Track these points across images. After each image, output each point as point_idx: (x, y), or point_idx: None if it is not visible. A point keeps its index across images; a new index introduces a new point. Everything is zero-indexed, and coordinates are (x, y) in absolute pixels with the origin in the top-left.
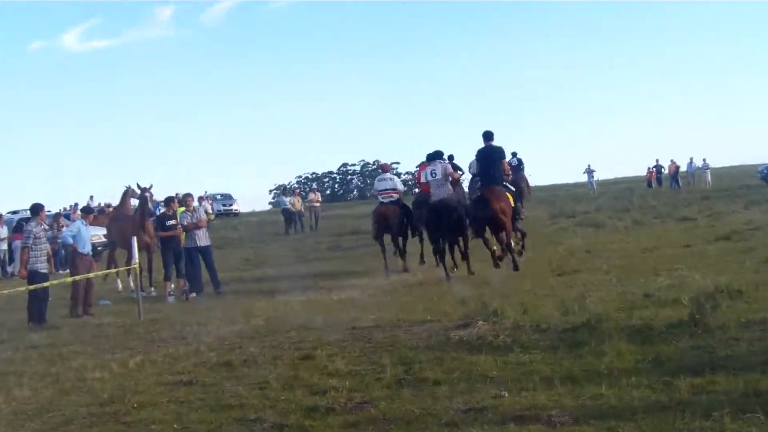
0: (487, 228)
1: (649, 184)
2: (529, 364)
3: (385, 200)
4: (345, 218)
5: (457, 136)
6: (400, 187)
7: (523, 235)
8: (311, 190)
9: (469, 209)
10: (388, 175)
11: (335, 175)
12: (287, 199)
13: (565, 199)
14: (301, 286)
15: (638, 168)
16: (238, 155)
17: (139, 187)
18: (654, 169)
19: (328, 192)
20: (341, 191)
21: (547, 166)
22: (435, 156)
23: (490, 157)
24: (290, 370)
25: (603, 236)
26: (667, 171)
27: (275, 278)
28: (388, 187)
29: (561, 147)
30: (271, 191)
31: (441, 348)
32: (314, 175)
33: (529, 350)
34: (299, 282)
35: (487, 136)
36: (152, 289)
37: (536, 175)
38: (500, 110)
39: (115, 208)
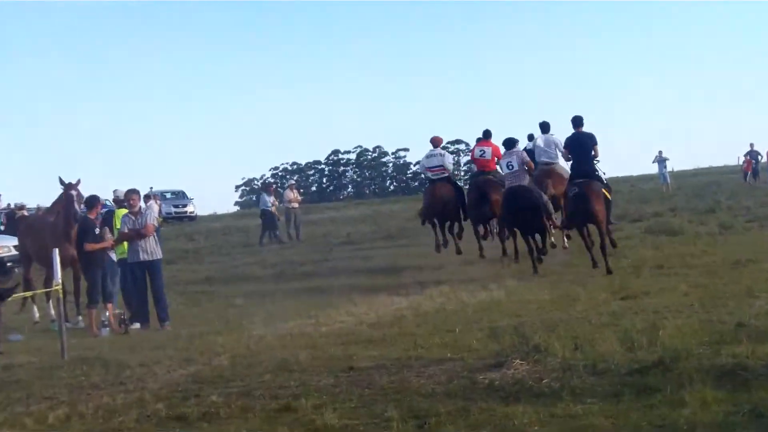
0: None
1: (745, 177)
2: (582, 417)
3: (437, 177)
4: (336, 223)
5: (475, 115)
6: (449, 165)
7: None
8: (288, 186)
9: (566, 205)
10: (438, 150)
11: (323, 167)
12: (270, 199)
13: (629, 196)
14: (279, 313)
15: (726, 156)
16: (193, 143)
17: (62, 183)
18: (748, 156)
19: (314, 189)
20: (331, 187)
21: (604, 154)
22: (510, 144)
23: (583, 146)
24: (265, 425)
25: (680, 246)
26: (765, 158)
27: (245, 303)
28: (439, 164)
29: (622, 128)
30: (238, 188)
31: (465, 395)
32: (295, 167)
33: (583, 399)
34: (277, 308)
35: (577, 121)
36: (80, 318)
37: None
38: (534, 84)
39: (46, 211)
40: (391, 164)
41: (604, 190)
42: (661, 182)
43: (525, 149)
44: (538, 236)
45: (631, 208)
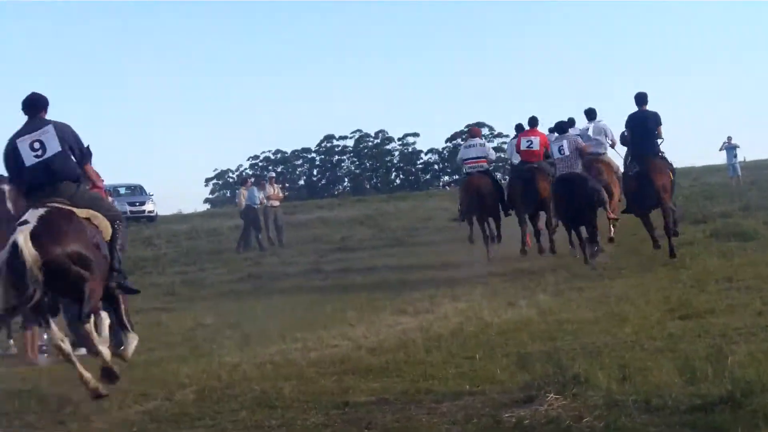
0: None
1: None
2: None
3: (474, 170)
4: (328, 225)
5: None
6: (492, 155)
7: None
8: (267, 180)
9: (627, 186)
10: (478, 140)
11: (314, 156)
12: (260, 195)
13: (691, 192)
14: (258, 336)
15: None
16: (154, 128)
17: None
18: None
19: (302, 183)
20: (323, 181)
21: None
22: (562, 128)
23: (645, 125)
24: None
25: (754, 254)
26: None
27: (216, 324)
28: (478, 155)
29: (682, 110)
30: (209, 182)
31: None
32: (279, 156)
33: None
34: (255, 330)
35: (641, 99)
36: (11, 343)
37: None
38: (566, 63)
39: None
40: (397, 152)
41: (669, 170)
42: (731, 175)
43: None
44: (587, 229)
45: (693, 206)
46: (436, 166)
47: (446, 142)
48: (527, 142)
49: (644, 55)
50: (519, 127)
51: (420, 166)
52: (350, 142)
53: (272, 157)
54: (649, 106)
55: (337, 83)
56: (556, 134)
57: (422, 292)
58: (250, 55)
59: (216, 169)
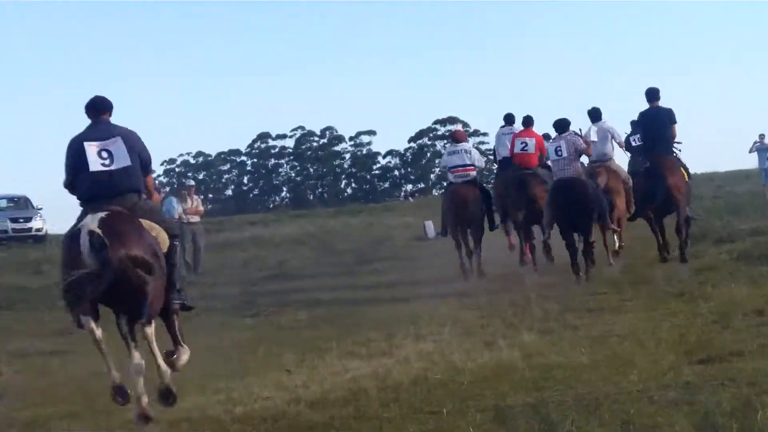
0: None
1: None
2: None
3: (460, 179)
4: (262, 246)
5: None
6: (480, 162)
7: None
8: (185, 189)
9: (637, 184)
10: (464, 145)
11: (244, 159)
12: (179, 207)
13: (714, 204)
14: (172, 385)
15: None
16: (42, 129)
17: None
18: None
19: (229, 193)
20: (256, 191)
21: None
22: (562, 126)
23: (657, 122)
24: None
25: None
26: None
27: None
28: (465, 162)
29: (702, 106)
30: None
31: None
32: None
33: None
34: (169, 378)
35: (652, 94)
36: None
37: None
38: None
39: None
40: (348, 155)
41: (682, 169)
42: (763, 182)
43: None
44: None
45: (717, 221)
46: (396, 172)
47: (410, 142)
48: (521, 144)
49: (659, 48)
50: (508, 118)
51: (376, 172)
52: (290, 143)
53: (192, 161)
54: (663, 103)
55: (273, 69)
56: (555, 132)
57: (378, 331)
58: (165, 38)
59: None
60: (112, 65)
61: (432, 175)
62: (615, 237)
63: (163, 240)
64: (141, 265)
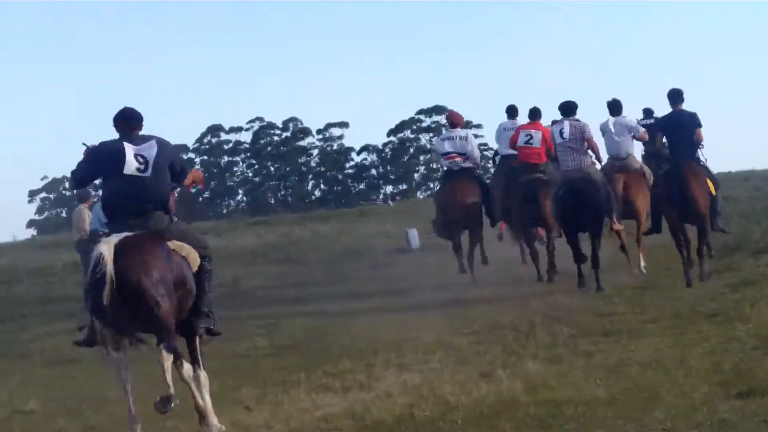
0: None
1: None
2: None
3: (455, 167)
4: (216, 259)
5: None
6: (476, 153)
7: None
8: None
9: (658, 189)
10: (459, 131)
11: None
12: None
13: (748, 207)
14: (110, 426)
15: None
16: None
17: None
18: None
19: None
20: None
21: (714, 141)
22: (566, 110)
23: (683, 129)
24: None
25: None
26: None
27: (47, 409)
28: (457, 150)
29: (738, 97)
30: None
31: None
32: None
33: None
34: (106, 417)
35: (676, 97)
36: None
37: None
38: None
39: None
40: (316, 151)
41: (708, 181)
42: None
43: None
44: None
45: (752, 228)
46: (373, 171)
47: (389, 135)
48: (526, 136)
49: (688, 36)
50: (511, 110)
51: (350, 171)
52: (246, 137)
53: None
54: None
55: (225, 52)
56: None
57: (354, 360)
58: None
59: (45, 177)
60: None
61: (416, 175)
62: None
63: (194, 260)
64: (158, 289)
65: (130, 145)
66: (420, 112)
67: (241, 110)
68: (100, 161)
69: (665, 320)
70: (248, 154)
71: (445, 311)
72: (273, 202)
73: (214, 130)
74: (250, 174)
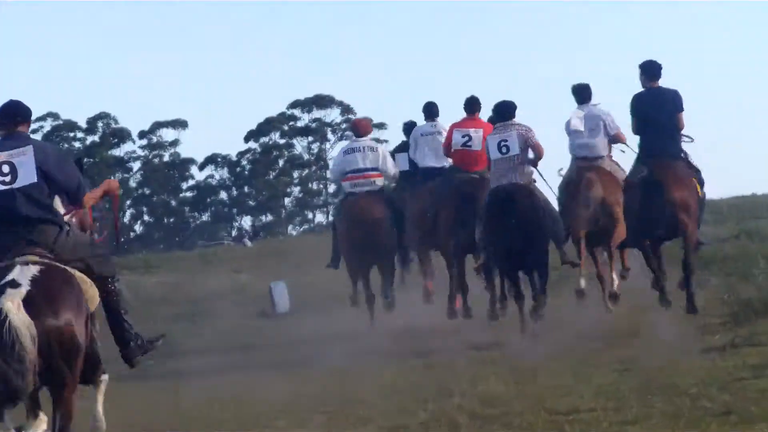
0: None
1: None
2: None
3: (359, 189)
4: None
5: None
6: (389, 166)
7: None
8: None
9: (630, 200)
10: (367, 141)
11: None
12: None
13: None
14: None
15: None
16: None
17: None
18: None
19: None
20: None
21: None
22: (504, 113)
23: (661, 111)
24: None
25: None
26: None
27: None
28: (367, 166)
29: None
30: None
31: None
32: None
33: None
34: None
35: (650, 70)
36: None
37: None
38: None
39: None
40: (137, 164)
41: (693, 179)
42: None
43: None
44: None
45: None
46: (224, 195)
47: (248, 140)
48: (462, 136)
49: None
50: (429, 109)
51: (188, 194)
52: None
53: None
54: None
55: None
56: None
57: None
58: None
59: None
60: None
61: (287, 200)
62: (613, 273)
63: (92, 297)
64: (71, 337)
65: None
66: (294, 105)
67: (26, 102)
68: None
69: (654, 421)
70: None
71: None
72: (155, 236)
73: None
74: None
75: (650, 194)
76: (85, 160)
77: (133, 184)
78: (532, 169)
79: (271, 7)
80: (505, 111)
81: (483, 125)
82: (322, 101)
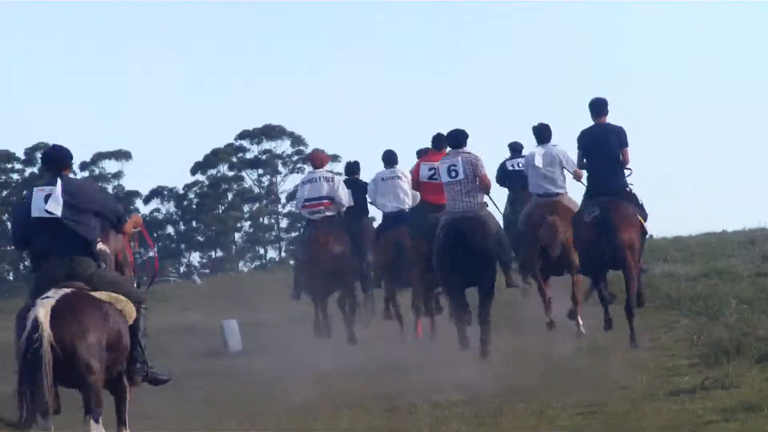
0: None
1: None
2: None
3: (317, 215)
4: None
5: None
6: (343, 195)
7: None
8: None
9: (580, 237)
10: (323, 172)
11: None
12: None
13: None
14: None
15: None
16: None
17: None
18: None
19: None
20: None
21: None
22: (458, 140)
23: (606, 147)
24: None
25: None
26: None
27: None
28: (322, 195)
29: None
30: None
31: None
32: None
33: None
34: None
35: (598, 107)
36: None
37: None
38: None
39: None
40: None
41: (639, 217)
42: None
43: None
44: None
45: (757, 320)
46: (170, 229)
47: (195, 173)
48: (429, 170)
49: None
50: (388, 157)
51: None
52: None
53: None
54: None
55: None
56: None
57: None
58: None
59: None
60: None
61: (237, 235)
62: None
63: (130, 312)
64: (92, 352)
65: (39, 188)
66: (243, 135)
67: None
68: (17, 212)
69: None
70: None
71: None
72: (11, 278)
73: None
74: None
75: (601, 234)
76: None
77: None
78: (483, 194)
79: (218, 33)
80: (455, 139)
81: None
82: (272, 132)
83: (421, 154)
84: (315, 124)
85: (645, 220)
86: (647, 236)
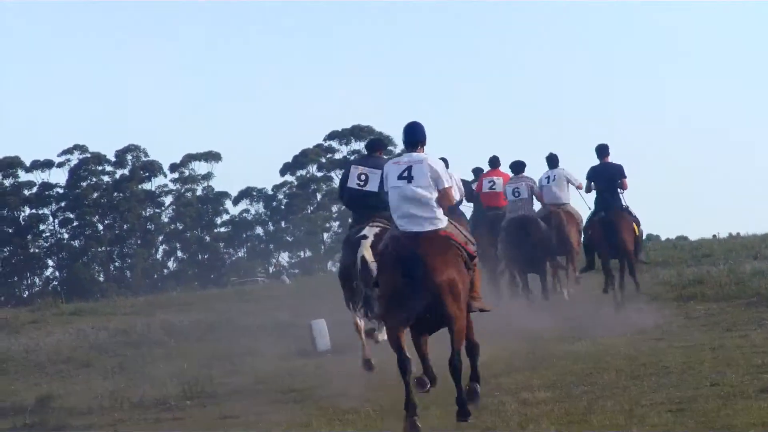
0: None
1: None
2: None
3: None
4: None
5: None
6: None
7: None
8: None
9: (593, 232)
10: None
11: None
12: None
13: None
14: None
15: None
16: None
17: None
18: None
19: None
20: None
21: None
22: (519, 168)
23: (609, 179)
24: None
25: None
26: None
27: None
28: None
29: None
30: None
31: None
32: None
33: None
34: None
35: (603, 151)
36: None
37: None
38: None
39: None
40: (169, 198)
41: (633, 223)
42: None
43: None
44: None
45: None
46: (260, 230)
47: (285, 173)
48: (489, 183)
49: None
50: (477, 171)
51: (223, 230)
52: (58, 176)
53: None
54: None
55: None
56: (512, 174)
57: None
58: None
59: None
60: None
61: (326, 235)
62: (568, 271)
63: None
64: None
65: (358, 165)
66: (332, 136)
67: (51, 136)
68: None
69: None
70: (62, 204)
71: None
72: (102, 278)
73: (7, 166)
74: (66, 235)
75: (606, 229)
76: (115, 194)
77: (165, 219)
78: (533, 209)
79: (309, 35)
80: (517, 167)
81: (502, 175)
82: (361, 132)
83: (477, 171)
84: (403, 124)
85: (638, 225)
86: (643, 236)
